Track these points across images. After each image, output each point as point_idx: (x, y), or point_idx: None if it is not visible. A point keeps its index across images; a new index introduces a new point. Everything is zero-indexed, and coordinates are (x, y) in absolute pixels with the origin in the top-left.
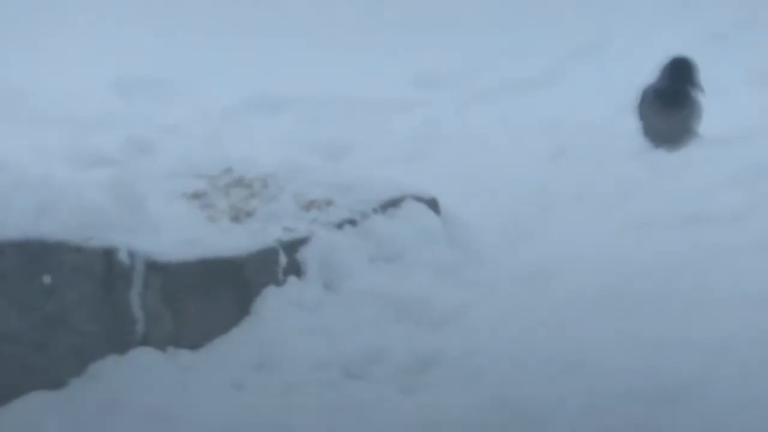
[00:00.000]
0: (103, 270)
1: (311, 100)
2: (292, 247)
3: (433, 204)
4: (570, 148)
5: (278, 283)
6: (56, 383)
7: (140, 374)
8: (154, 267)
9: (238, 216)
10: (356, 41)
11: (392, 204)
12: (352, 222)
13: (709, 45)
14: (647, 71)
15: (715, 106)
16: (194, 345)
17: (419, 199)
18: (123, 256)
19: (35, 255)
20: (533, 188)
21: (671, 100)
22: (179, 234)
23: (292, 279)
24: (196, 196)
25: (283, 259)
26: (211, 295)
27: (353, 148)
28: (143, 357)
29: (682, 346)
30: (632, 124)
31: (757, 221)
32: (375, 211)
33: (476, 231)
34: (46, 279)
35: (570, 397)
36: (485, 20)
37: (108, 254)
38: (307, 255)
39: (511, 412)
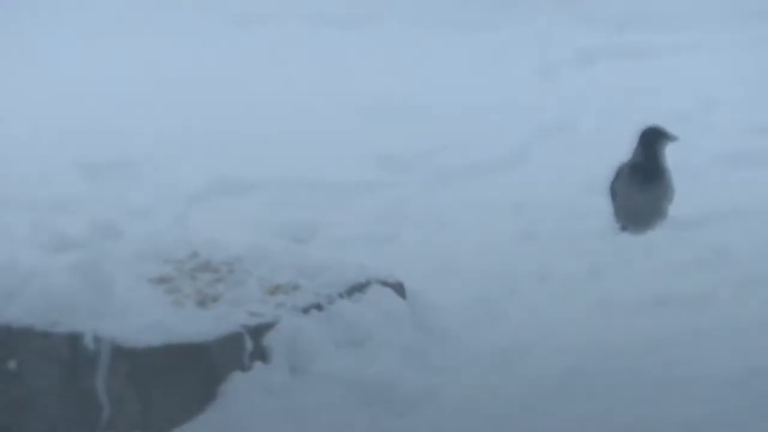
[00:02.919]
0: (69, 355)
1: (277, 182)
2: (258, 331)
3: (399, 288)
4: (537, 228)
5: (244, 368)
6: None
7: None
8: (119, 352)
9: (204, 301)
10: (321, 123)
11: (358, 288)
12: (318, 306)
13: (675, 126)
14: (613, 150)
15: (681, 187)
16: (161, 431)
17: (385, 283)
18: (88, 342)
19: (1, 340)
20: (500, 269)
21: (646, 175)
22: (145, 319)
23: (257, 364)
24: (162, 280)
25: (248, 344)
26: (177, 381)
27: (319, 229)
28: None
29: (651, 429)
30: (600, 204)
31: (722, 303)
32: (341, 295)
33: (443, 313)
34: (12, 364)
35: None
36: (451, 101)
37: (73, 339)
38: (273, 340)
39: None
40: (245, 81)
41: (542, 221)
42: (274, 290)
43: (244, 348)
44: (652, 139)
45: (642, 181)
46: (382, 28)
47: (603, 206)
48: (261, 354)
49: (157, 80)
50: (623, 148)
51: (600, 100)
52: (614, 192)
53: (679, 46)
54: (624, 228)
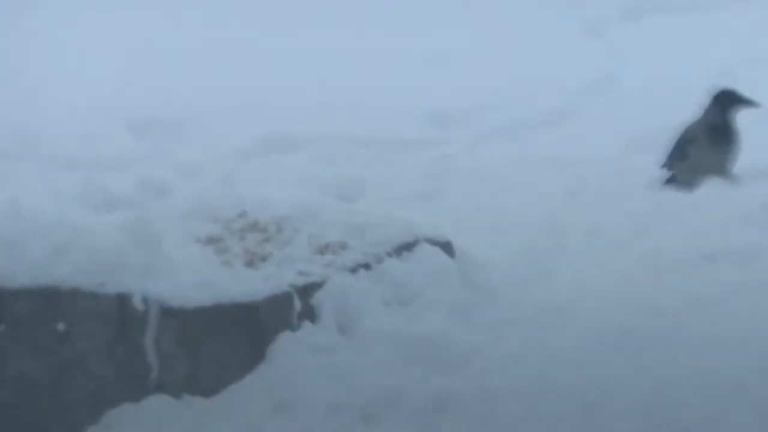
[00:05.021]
0: (118, 315)
1: (325, 139)
2: (307, 291)
3: (447, 247)
4: (583, 184)
5: (293, 327)
6: (72, 430)
7: (156, 422)
8: (168, 312)
9: (252, 260)
10: (368, 79)
11: (406, 247)
12: (366, 266)
13: (717, 82)
14: (659, 107)
15: None
16: (209, 391)
17: (433, 242)
18: (137, 302)
19: (50, 301)
20: (547, 226)
21: (723, 137)
22: (194, 278)
23: (306, 323)
24: (210, 240)
25: (297, 304)
26: (226, 340)
27: (367, 186)
28: (158, 404)
29: (697, 385)
30: (646, 160)
31: None
32: (389, 254)
33: (490, 270)
34: (61, 325)
35: None
36: (497, 58)
37: (122, 300)
38: (321, 299)
39: None
40: (293, 37)
41: (589, 177)
42: (323, 249)
43: (292, 307)
44: (727, 103)
45: (719, 142)
46: None
47: (649, 162)
48: (309, 313)
49: (204, 37)
50: (669, 104)
51: (646, 56)
52: (685, 154)
53: (724, 1)
54: (670, 181)
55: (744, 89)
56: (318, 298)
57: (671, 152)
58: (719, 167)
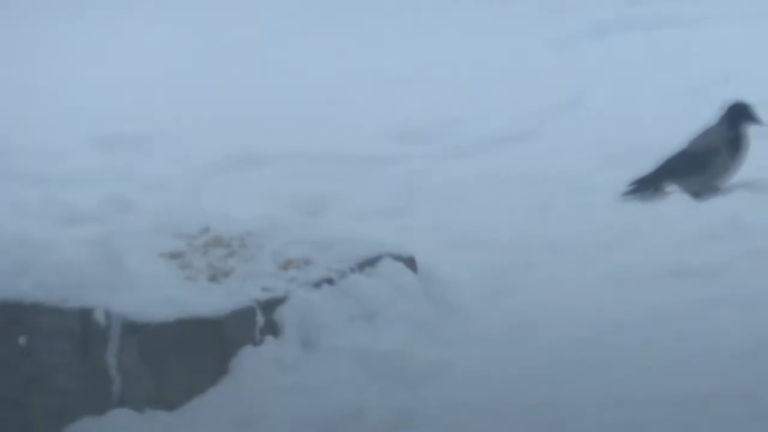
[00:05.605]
0: (80, 330)
1: (290, 155)
2: (270, 306)
3: (410, 262)
4: (550, 201)
5: (256, 342)
6: None
7: None
8: (130, 327)
9: (215, 275)
10: (335, 95)
11: (370, 263)
12: (330, 281)
13: (686, 100)
14: (627, 123)
15: None
16: (172, 405)
17: (397, 257)
18: (99, 317)
19: (12, 316)
20: (513, 242)
21: (739, 148)
22: (157, 293)
23: (269, 338)
24: (174, 255)
25: (260, 319)
26: (189, 355)
27: (332, 203)
28: (121, 419)
29: (660, 402)
30: (614, 176)
31: (734, 275)
32: (353, 270)
33: (455, 286)
34: (23, 340)
35: None
36: (465, 74)
37: (84, 315)
38: (284, 314)
39: None
40: (258, 54)
41: (556, 194)
42: (286, 265)
43: (255, 323)
44: (740, 116)
45: (736, 155)
46: None
47: (618, 179)
48: (272, 328)
49: (170, 53)
50: (637, 122)
51: (614, 73)
52: (707, 164)
53: (691, 18)
54: (636, 191)
55: (713, 108)
56: (281, 313)
57: (676, 162)
58: (728, 179)
